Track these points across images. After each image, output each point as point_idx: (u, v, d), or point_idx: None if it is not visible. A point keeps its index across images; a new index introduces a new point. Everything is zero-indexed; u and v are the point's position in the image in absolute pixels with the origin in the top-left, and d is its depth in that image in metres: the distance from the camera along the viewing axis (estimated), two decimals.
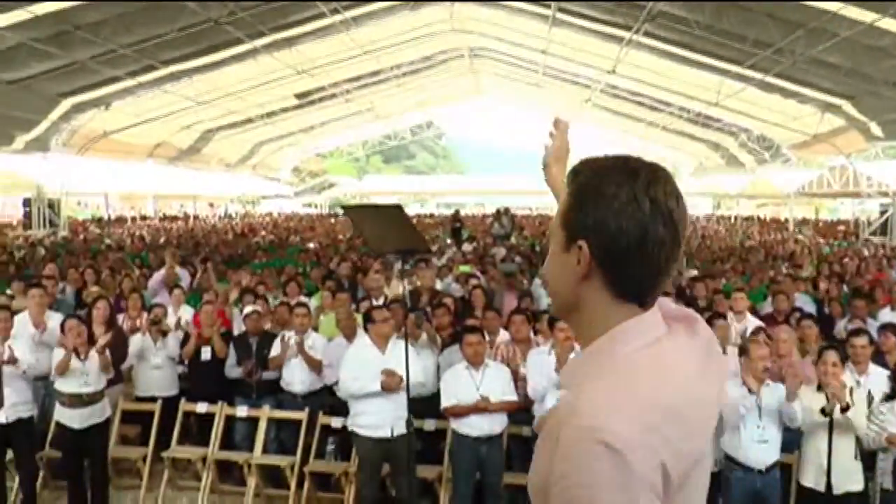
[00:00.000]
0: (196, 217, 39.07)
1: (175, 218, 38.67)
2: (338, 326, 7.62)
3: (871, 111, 20.86)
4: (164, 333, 7.78)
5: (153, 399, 7.54)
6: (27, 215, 26.60)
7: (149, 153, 30.46)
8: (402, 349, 5.88)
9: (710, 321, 6.89)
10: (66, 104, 22.22)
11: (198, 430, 7.76)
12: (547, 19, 21.63)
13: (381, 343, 6.28)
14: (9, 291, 10.21)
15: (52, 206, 26.21)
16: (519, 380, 6.57)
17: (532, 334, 7.49)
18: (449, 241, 23.33)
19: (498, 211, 25.78)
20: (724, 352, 6.54)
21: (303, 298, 9.63)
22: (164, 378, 7.75)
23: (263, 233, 25.85)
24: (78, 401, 6.48)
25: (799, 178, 32.91)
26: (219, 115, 29.31)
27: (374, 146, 52.33)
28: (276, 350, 7.45)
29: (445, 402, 6.28)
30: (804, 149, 28.51)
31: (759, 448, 5.45)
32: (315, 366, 7.35)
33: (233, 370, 7.59)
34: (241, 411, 7.35)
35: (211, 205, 48.89)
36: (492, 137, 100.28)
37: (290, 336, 7.39)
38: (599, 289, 1.36)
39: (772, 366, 5.79)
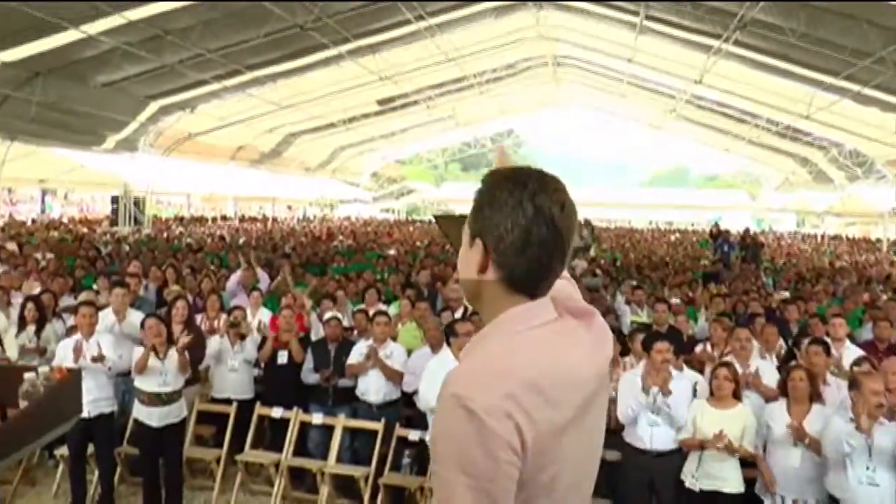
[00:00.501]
0: (275, 219, 39.62)
1: (254, 219, 39.33)
2: (424, 336, 7.46)
3: None
4: (243, 337, 7.75)
5: (228, 401, 7.50)
6: (115, 212, 27.40)
7: (231, 155, 31.07)
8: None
9: (808, 347, 6.52)
10: (154, 106, 22.86)
11: (271, 434, 7.70)
12: (634, 27, 21.19)
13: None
14: (95, 287, 10.45)
15: (138, 204, 26.96)
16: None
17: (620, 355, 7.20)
18: None
19: (578, 222, 25.56)
20: (825, 382, 6.18)
21: (381, 306, 9.54)
22: (240, 381, 7.72)
23: (341, 237, 25.97)
24: (156, 399, 6.49)
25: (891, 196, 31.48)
26: (301, 120, 29.68)
27: (453, 153, 52.30)
28: (354, 357, 7.34)
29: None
30: None
31: (867, 492, 4.92)
32: (392, 376, 7.21)
33: (309, 375, 7.51)
34: (317, 418, 7.25)
35: (289, 207, 49.59)
36: (569, 147, 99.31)
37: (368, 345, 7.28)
38: (494, 281, 1.57)
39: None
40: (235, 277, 10.67)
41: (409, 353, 7.50)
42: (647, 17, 20.10)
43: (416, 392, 7.03)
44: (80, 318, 6.75)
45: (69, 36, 16.42)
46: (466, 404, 1.41)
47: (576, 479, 1.62)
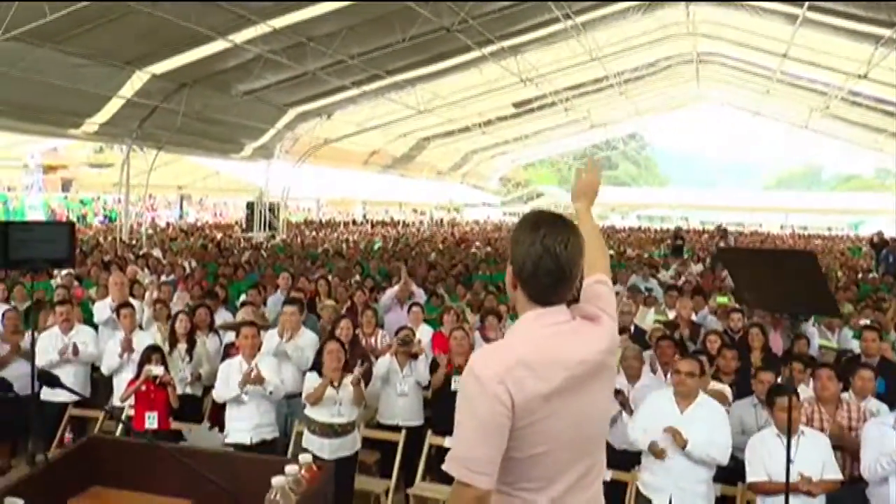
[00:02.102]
0: (405, 224, 39.57)
1: (385, 223, 39.41)
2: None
3: None
4: (415, 356, 7.15)
5: (397, 428, 6.92)
6: (249, 217, 27.78)
7: (364, 161, 31.11)
8: (707, 407, 5.23)
9: None
10: (292, 113, 22.97)
11: (440, 464, 7.10)
12: (794, 19, 19.69)
13: (684, 401, 5.39)
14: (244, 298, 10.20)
15: (272, 209, 27.21)
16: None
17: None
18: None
19: (722, 228, 24.22)
20: None
21: None
22: (410, 406, 7.08)
23: (478, 243, 25.41)
24: (329, 430, 6.00)
25: None
26: (436, 124, 29.37)
27: (577, 156, 51.12)
28: None
29: (753, 476, 5.23)
30: None
31: None
32: None
33: None
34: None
35: (415, 211, 49.62)
36: (694, 147, 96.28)
37: None
38: (521, 294, 2.23)
39: None
40: (391, 291, 10.14)
41: None
42: (812, 9, 18.59)
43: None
44: (242, 340, 6.35)
45: (215, 46, 16.53)
46: (476, 372, 2.06)
47: (577, 436, 2.17)
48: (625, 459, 5.91)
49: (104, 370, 7.38)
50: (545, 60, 23.94)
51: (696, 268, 19.34)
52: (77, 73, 15.53)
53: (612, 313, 2.37)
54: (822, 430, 5.64)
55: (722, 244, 22.17)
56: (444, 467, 2.12)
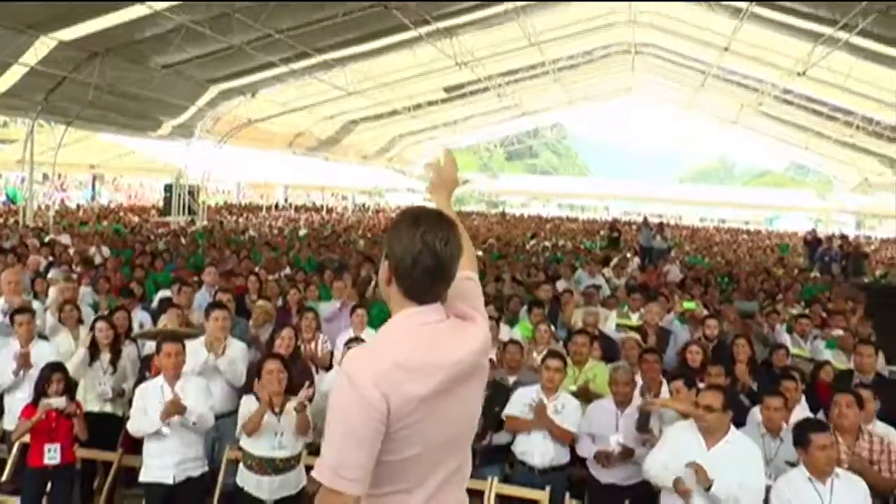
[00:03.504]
0: (330, 209, 38.31)
1: (307, 209, 38.06)
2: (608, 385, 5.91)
3: None
4: None
5: None
6: (167, 200, 26.17)
7: (289, 142, 29.79)
8: (738, 446, 4.57)
9: None
10: (214, 90, 21.60)
11: None
12: (738, 13, 19.31)
13: (711, 437, 4.64)
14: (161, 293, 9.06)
15: (192, 192, 25.70)
16: None
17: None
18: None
19: (658, 222, 23.68)
20: None
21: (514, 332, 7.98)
22: None
23: None
24: (269, 466, 5.02)
25: None
26: (364, 106, 28.23)
27: (510, 143, 50.56)
28: (515, 408, 5.80)
29: None
30: None
31: None
32: (563, 437, 5.65)
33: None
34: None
35: (343, 197, 48.30)
36: (613, 139, 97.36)
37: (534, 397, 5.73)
38: (396, 290, 2.15)
39: None
40: (332, 306, 8.92)
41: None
42: (758, 3, 18.22)
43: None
44: (164, 359, 5.30)
45: (132, 12, 15.11)
46: (349, 376, 2.01)
47: (445, 436, 2.15)
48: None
49: None
50: (481, 44, 23.07)
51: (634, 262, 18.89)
52: None
53: (483, 311, 2.36)
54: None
55: (658, 238, 21.66)
56: (313, 474, 2.06)
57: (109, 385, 6.34)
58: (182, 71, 18.89)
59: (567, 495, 5.62)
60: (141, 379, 6.23)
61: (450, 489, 2.21)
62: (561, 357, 6.08)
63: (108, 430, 6.29)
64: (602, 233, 28.31)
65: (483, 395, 2.36)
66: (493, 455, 5.88)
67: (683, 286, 13.73)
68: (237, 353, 6.27)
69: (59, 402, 5.30)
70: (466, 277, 2.36)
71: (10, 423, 6.06)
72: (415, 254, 2.07)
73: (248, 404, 5.09)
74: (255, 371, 5.65)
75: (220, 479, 5.76)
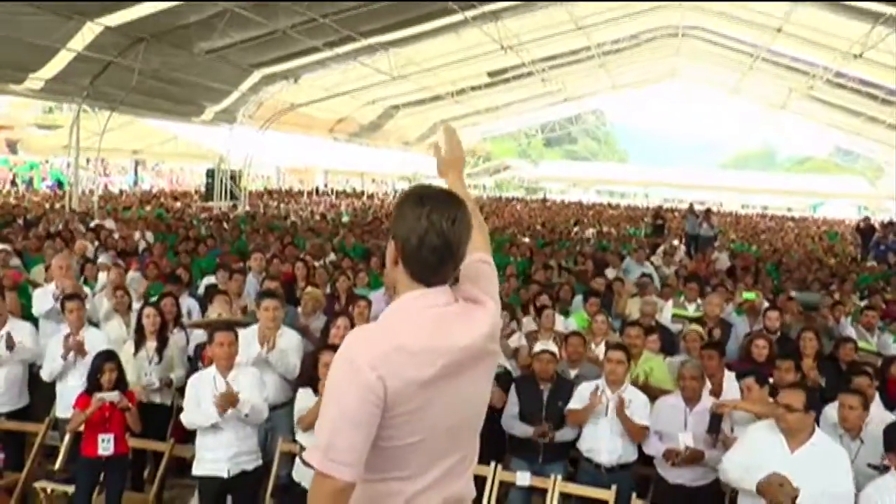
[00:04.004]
0: (369, 195, 38.23)
1: (348, 194, 38.01)
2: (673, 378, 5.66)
3: None
4: None
5: None
6: (209, 186, 26.22)
7: (330, 128, 29.68)
8: (824, 449, 4.24)
9: None
10: (258, 75, 21.49)
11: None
12: None
13: (794, 439, 4.33)
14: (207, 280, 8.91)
15: (234, 178, 25.70)
16: None
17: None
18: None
19: (705, 209, 23.19)
20: None
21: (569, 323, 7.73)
22: None
23: None
24: None
25: None
26: (406, 92, 27.99)
27: (550, 130, 50.01)
28: (577, 401, 5.58)
29: None
30: None
31: None
32: (634, 432, 5.43)
33: (514, 424, 5.75)
34: (522, 478, 5.52)
35: (373, 181, 48.16)
36: (652, 125, 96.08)
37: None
38: (402, 272, 2.09)
39: None
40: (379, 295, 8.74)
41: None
42: None
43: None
44: (216, 349, 5.12)
45: None
46: (349, 357, 1.96)
47: (450, 424, 2.07)
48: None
49: (45, 375, 6.07)
50: (527, 27, 22.67)
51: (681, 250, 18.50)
52: (18, 22, 13.91)
53: (496, 296, 2.26)
54: None
55: (705, 225, 21.18)
56: (303, 456, 1.84)
57: (156, 376, 6.25)
58: (225, 56, 18.78)
59: (633, 495, 5.39)
60: (193, 369, 6.11)
61: (452, 479, 2.14)
62: (623, 349, 5.86)
63: (157, 420, 6.20)
64: (646, 220, 27.80)
65: (492, 382, 2.30)
66: (555, 452, 5.67)
67: (733, 274, 13.41)
68: (290, 343, 6.10)
69: (112, 395, 5.20)
70: (480, 260, 2.30)
71: (62, 411, 5.99)
72: (420, 233, 2.01)
73: (306, 397, 4.92)
74: (309, 362, 5.51)
75: (274, 471, 5.63)
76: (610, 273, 12.33)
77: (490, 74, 28.87)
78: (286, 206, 26.31)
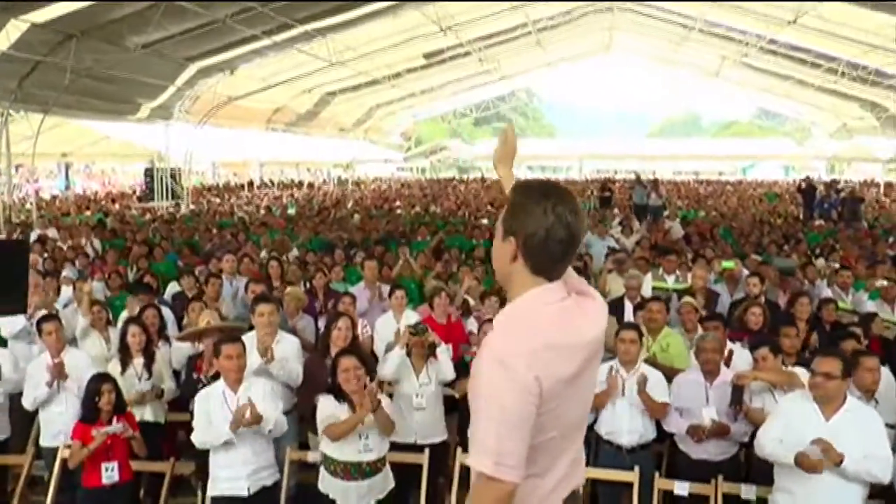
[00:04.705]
0: (311, 185, 37.60)
1: (287, 185, 37.29)
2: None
3: None
4: (432, 350, 5.65)
5: (416, 447, 5.54)
6: (148, 186, 25.37)
7: (267, 119, 29.04)
8: (859, 413, 4.30)
9: None
10: (193, 69, 20.80)
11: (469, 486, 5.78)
12: None
13: (828, 407, 4.31)
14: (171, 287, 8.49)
15: (174, 176, 24.93)
16: None
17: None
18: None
19: (654, 179, 23.34)
20: None
21: None
22: (430, 419, 5.69)
23: (399, 203, 23.91)
24: (355, 471, 4.63)
25: None
26: (343, 77, 27.48)
27: (485, 109, 49.87)
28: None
29: None
30: None
31: None
32: (655, 410, 5.33)
33: None
34: None
35: (308, 170, 47.36)
36: (578, 100, 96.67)
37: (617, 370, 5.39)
38: (522, 267, 2.09)
39: None
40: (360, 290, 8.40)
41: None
42: None
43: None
44: (224, 362, 4.81)
45: None
46: (502, 359, 1.94)
47: (577, 418, 2.18)
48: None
49: (27, 404, 5.69)
50: (463, 7, 22.44)
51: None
52: None
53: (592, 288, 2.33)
54: None
55: (653, 195, 21.33)
56: (468, 462, 2.00)
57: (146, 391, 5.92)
58: (160, 50, 18.07)
59: (656, 474, 5.31)
60: (189, 381, 5.79)
61: (576, 471, 2.23)
62: (636, 328, 5.76)
63: (149, 438, 5.85)
64: (590, 193, 27.93)
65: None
66: None
67: (690, 242, 13.52)
68: (289, 349, 5.81)
69: (116, 428, 4.91)
70: None
71: (48, 440, 5.64)
72: (548, 226, 2.03)
73: (329, 406, 4.66)
74: (314, 369, 5.30)
75: (285, 482, 5.36)
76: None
77: (426, 56, 28.56)
78: (230, 203, 25.61)
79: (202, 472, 5.45)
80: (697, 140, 67.82)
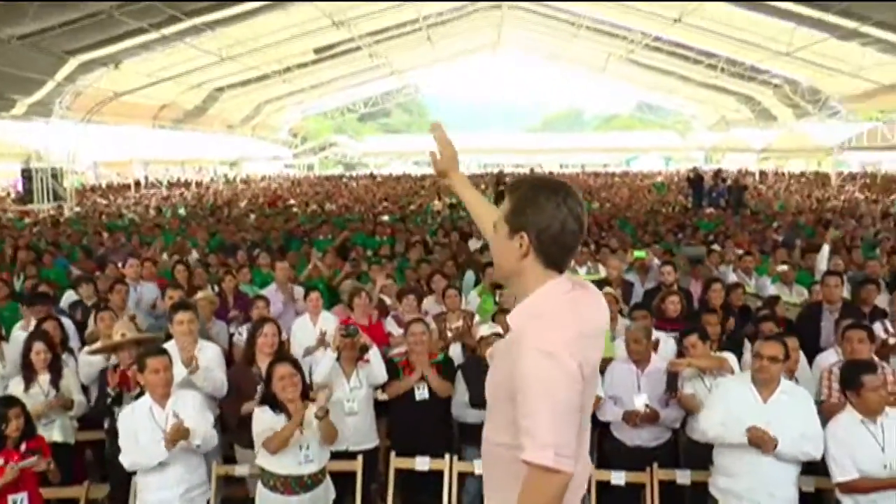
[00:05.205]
0: (199, 184, 36.43)
1: (173, 185, 35.99)
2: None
3: None
4: (363, 353, 5.47)
5: (349, 454, 5.36)
6: (26, 187, 23.95)
7: (154, 115, 27.93)
8: (792, 394, 4.51)
9: None
10: (74, 63, 19.76)
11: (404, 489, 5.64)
12: None
13: (765, 389, 4.47)
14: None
15: (56, 176, 23.62)
16: None
17: None
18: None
19: (549, 172, 23.78)
20: None
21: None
22: (362, 425, 5.52)
23: (293, 201, 23.38)
24: (296, 485, 4.43)
25: (844, 131, 31.00)
26: (232, 72, 26.74)
27: (373, 104, 49.55)
28: None
29: (843, 475, 4.29)
30: (861, 101, 26.75)
31: None
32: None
33: (466, 411, 5.50)
34: (481, 467, 5.29)
35: (200, 169, 45.97)
36: (466, 96, 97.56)
37: None
38: (534, 262, 2.13)
39: None
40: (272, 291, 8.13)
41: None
42: None
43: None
44: (151, 377, 4.50)
45: None
46: (547, 351, 1.97)
47: (592, 399, 2.24)
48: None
49: None
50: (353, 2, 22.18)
51: None
52: None
53: None
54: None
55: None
56: (527, 458, 1.96)
57: (54, 413, 5.53)
58: (38, 42, 17.09)
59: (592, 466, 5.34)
60: (101, 398, 5.42)
61: (585, 453, 2.27)
62: None
63: (58, 461, 5.45)
64: (486, 187, 28.08)
65: None
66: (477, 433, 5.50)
67: (589, 233, 13.75)
68: (212, 358, 5.52)
69: (30, 462, 4.46)
70: None
71: None
72: (562, 220, 2.09)
73: (265, 418, 4.43)
74: (238, 378, 5.06)
75: (212, 499, 5.10)
76: (472, 244, 12.35)
77: (317, 51, 28.14)
78: (117, 203, 24.46)
79: (118, 495, 5.16)
80: (582, 134, 69.49)
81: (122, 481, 5.05)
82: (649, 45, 28.18)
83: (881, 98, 25.16)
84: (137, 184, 34.85)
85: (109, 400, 5.20)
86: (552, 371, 1.96)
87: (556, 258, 2.14)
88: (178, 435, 4.27)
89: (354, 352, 5.41)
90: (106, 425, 5.38)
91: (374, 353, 5.52)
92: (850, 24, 18.90)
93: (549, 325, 2.04)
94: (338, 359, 5.45)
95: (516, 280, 2.19)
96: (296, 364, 4.66)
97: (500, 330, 5.71)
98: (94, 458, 6.20)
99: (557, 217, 2.09)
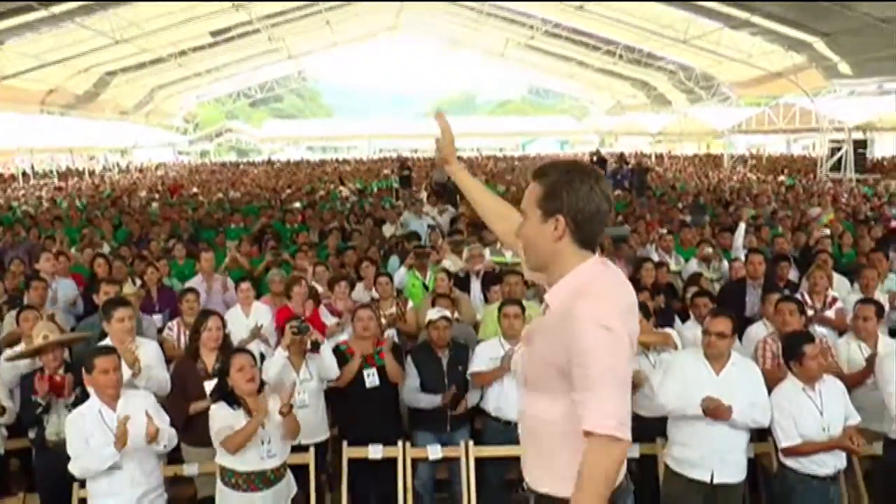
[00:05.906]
0: (92, 173, 34.87)
1: (72, 175, 34.34)
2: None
3: (843, 49, 20.08)
4: (315, 347, 5.29)
5: (301, 447, 5.15)
6: None
7: (41, 101, 26.50)
8: (742, 367, 4.75)
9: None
10: None
11: (359, 478, 5.55)
12: None
13: (717, 362, 4.69)
14: None
15: None
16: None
17: None
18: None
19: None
20: None
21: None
22: (313, 417, 5.38)
23: (196, 189, 22.67)
24: (259, 481, 4.31)
25: (735, 115, 32.40)
26: (125, 55, 25.62)
27: (270, 89, 48.53)
28: (481, 363, 5.45)
29: (787, 441, 4.62)
30: (750, 87, 27.96)
31: None
32: None
33: (418, 398, 5.49)
34: (434, 452, 5.34)
35: (91, 157, 43.99)
36: (359, 81, 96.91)
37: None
38: (569, 244, 2.22)
39: None
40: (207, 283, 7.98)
41: None
42: None
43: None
44: (100, 377, 4.26)
45: None
46: (604, 324, 2.04)
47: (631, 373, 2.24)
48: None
49: None
50: None
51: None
52: None
53: None
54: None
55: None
56: (591, 428, 2.00)
57: None
58: None
59: None
60: (26, 405, 5.05)
61: None
62: (518, 303, 5.77)
63: None
64: (392, 171, 27.93)
65: None
66: (460, 418, 5.55)
67: None
68: (152, 356, 5.29)
69: None
70: None
71: None
72: (597, 202, 2.19)
73: (222, 414, 4.28)
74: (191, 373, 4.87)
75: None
76: (387, 229, 12.29)
77: (213, 34, 27.29)
78: (6, 195, 23.14)
79: None
80: (477, 118, 69.96)
81: (53, 492, 4.83)
82: (549, 31, 28.59)
83: (767, 84, 26.35)
84: (24, 174, 33.10)
85: (39, 409, 4.86)
86: (612, 344, 2.03)
87: (590, 238, 2.24)
88: (124, 429, 4.05)
89: (304, 345, 5.29)
90: (31, 435, 5.07)
91: (325, 348, 5.40)
92: (742, 14, 19.66)
93: (600, 300, 2.12)
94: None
95: (553, 262, 2.26)
96: (253, 356, 4.51)
97: (447, 314, 5.71)
98: (20, 468, 5.86)
99: (593, 199, 2.18)
